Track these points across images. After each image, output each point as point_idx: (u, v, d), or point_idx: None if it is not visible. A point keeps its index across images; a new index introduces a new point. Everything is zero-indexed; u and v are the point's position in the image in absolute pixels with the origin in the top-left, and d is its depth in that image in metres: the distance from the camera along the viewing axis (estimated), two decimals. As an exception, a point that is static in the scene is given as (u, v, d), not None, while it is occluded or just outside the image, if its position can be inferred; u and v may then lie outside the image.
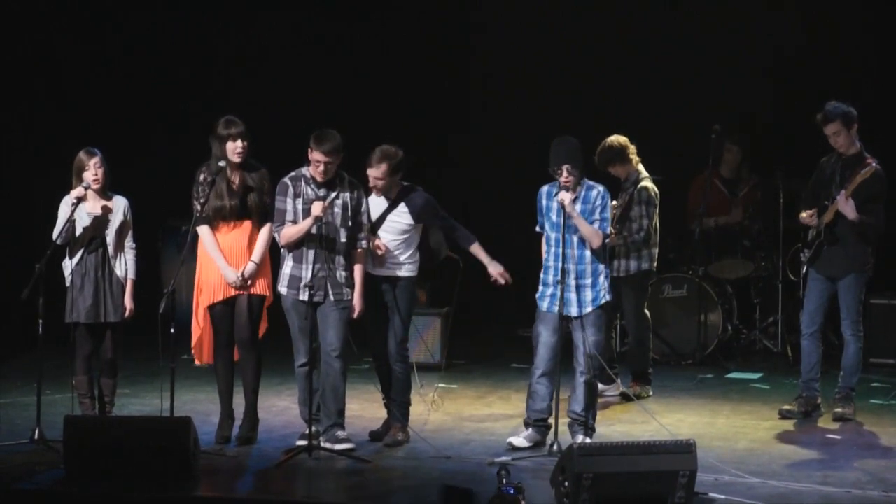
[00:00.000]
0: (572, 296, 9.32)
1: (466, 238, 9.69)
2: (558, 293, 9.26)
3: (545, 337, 9.39)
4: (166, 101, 14.18)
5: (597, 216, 9.31)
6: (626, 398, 11.01)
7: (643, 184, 10.99)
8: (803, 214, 10.37)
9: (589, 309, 9.33)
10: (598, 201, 9.31)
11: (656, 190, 11.04)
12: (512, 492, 7.78)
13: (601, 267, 9.35)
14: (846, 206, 10.03)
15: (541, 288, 9.45)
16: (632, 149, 11.03)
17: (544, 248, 9.49)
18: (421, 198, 9.57)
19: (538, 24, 14.20)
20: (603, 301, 9.36)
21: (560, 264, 9.26)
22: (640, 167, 11.08)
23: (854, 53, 13.35)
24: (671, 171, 11.73)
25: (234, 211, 9.39)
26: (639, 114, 12.95)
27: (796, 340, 12.20)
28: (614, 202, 10.97)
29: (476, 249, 9.68)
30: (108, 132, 12.21)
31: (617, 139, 11.02)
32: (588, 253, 9.30)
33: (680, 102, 13.58)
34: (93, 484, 8.35)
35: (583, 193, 9.32)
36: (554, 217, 9.36)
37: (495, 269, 9.65)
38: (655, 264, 11.18)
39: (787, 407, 10.51)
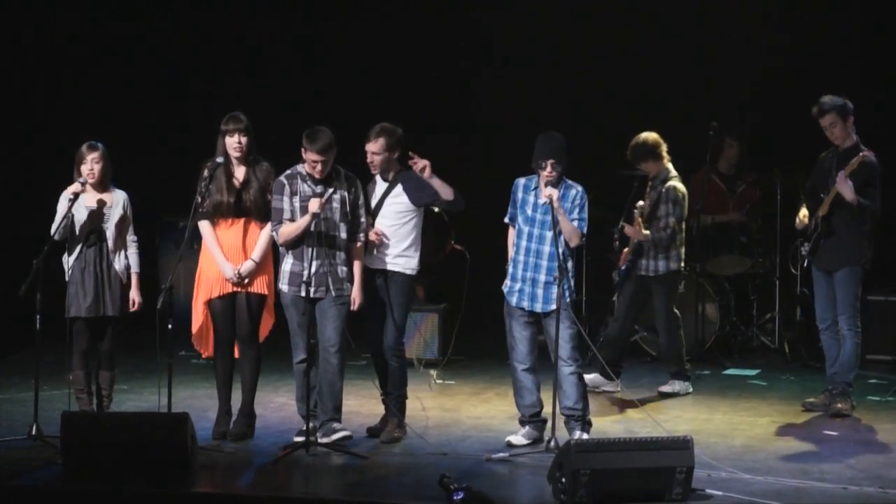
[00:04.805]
0: (539, 292, 9.32)
1: (461, 200, 9.60)
2: (526, 289, 9.30)
3: (519, 332, 9.40)
4: (165, 99, 14.17)
5: (575, 215, 9.30)
6: (622, 397, 11.03)
7: (671, 183, 10.98)
8: (799, 219, 10.39)
9: (553, 307, 9.24)
10: (577, 200, 9.31)
11: (684, 190, 11.03)
12: (463, 496, 7.80)
13: (569, 266, 9.31)
14: (844, 185, 10.00)
15: (509, 283, 9.44)
16: (664, 147, 11.03)
17: (512, 240, 9.47)
18: (414, 177, 9.52)
19: (538, 24, 14.20)
20: (568, 300, 9.24)
21: (531, 259, 9.29)
22: (670, 166, 11.07)
23: (853, 53, 13.35)
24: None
25: (231, 207, 9.37)
26: (638, 112, 12.94)
27: (793, 337, 12.21)
28: (640, 203, 10.99)
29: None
30: (107, 129, 12.19)
31: (651, 136, 11.01)
32: (560, 251, 9.25)
33: (679, 101, 13.57)
34: (90, 480, 8.35)
35: (562, 192, 9.32)
36: (529, 211, 9.36)
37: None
38: (683, 264, 11.17)
39: (811, 399, 10.51)
